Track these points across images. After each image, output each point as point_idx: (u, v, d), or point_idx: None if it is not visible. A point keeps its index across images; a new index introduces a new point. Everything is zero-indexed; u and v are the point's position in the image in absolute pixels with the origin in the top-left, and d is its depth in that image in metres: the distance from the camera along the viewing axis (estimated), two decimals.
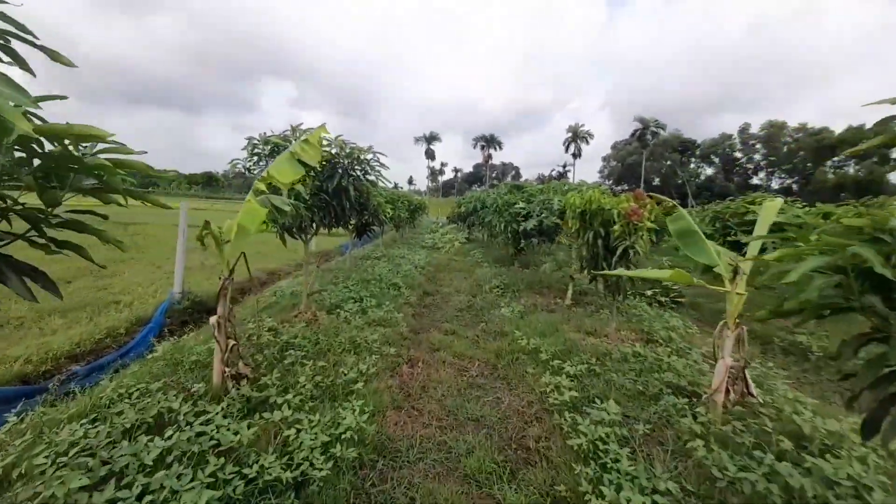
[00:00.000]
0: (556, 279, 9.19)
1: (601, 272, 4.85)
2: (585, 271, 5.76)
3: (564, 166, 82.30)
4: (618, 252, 4.92)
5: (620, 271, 3.79)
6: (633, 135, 70.11)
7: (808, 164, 72.22)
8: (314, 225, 5.69)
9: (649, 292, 8.13)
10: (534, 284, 8.90)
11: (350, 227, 9.46)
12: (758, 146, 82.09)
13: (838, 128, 69.95)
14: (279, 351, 4.28)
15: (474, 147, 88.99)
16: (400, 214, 13.77)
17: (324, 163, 5.66)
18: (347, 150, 5.68)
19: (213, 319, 3.22)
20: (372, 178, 5.90)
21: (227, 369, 3.24)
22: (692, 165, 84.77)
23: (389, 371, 4.38)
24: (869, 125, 65.77)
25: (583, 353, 4.77)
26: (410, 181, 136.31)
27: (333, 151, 5.71)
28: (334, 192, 5.57)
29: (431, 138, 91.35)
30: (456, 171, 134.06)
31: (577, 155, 75.75)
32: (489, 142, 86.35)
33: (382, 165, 5.94)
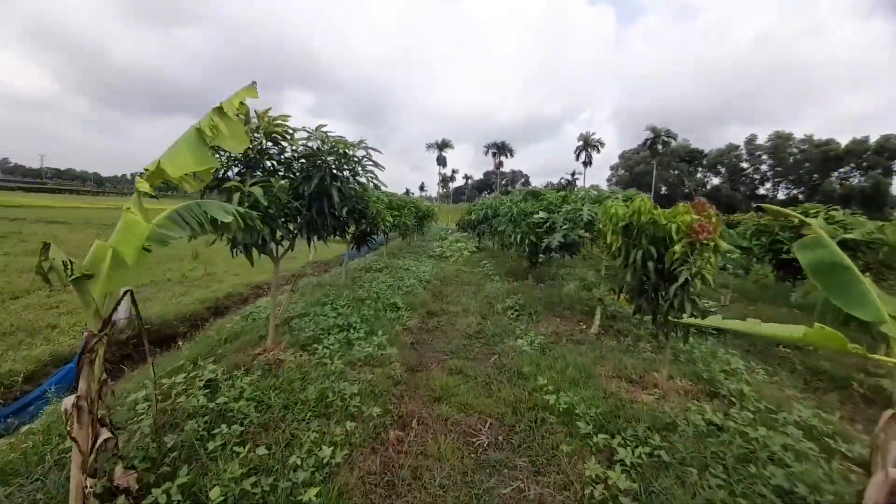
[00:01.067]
0: (579, 299, 7.79)
1: (665, 315, 3.47)
2: (623, 297, 4.40)
3: (573, 174, 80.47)
4: (678, 280, 3.53)
5: (707, 321, 2.40)
6: (644, 143, 68.22)
7: (815, 175, 69.86)
8: (284, 239, 4.36)
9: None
10: (553, 305, 7.51)
11: (347, 236, 8.18)
12: (764, 157, 79.94)
13: (843, 140, 67.82)
14: (207, 425, 2.91)
15: (486, 154, 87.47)
16: (406, 222, 12.45)
17: (301, 160, 4.36)
18: (331, 145, 4.36)
19: (67, 402, 1.92)
20: (363, 179, 4.57)
21: (90, 482, 1.91)
22: (699, 175, 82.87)
23: (370, 443, 3.04)
24: (874, 138, 63.63)
25: (635, 419, 3.37)
26: (422, 188, 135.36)
27: (314, 146, 4.41)
28: (312, 197, 4.25)
29: (443, 145, 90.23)
30: (466, 178, 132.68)
31: (587, 163, 74.01)
32: (500, 149, 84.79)
33: (377, 165, 4.62)
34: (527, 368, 4.60)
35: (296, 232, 4.38)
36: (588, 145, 72.65)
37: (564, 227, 6.02)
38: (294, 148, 4.25)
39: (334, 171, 4.34)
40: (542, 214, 6.74)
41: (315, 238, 4.90)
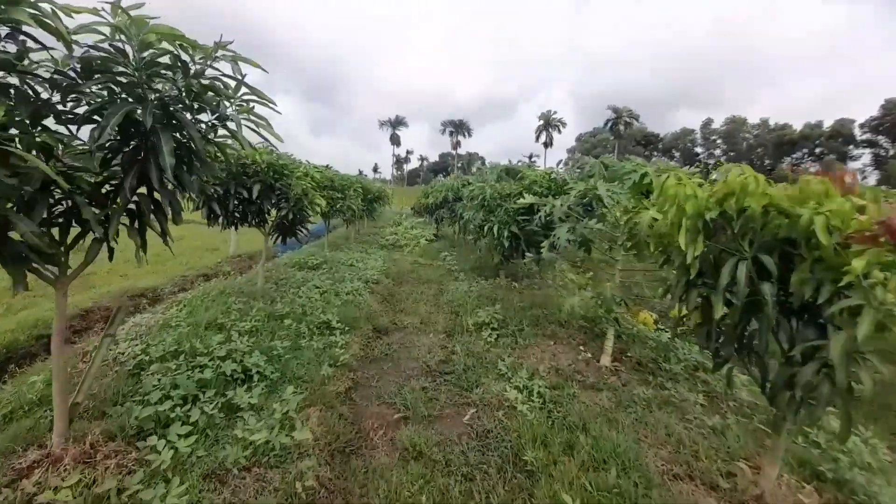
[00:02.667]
0: (573, 311, 6.18)
1: (806, 389, 1.81)
2: (644, 315, 2.74)
3: (531, 157, 79.55)
4: (831, 318, 1.88)
5: None
6: (605, 125, 68.14)
7: (766, 161, 72.78)
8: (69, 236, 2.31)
9: None
10: (540, 318, 5.84)
11: (266, 226, 6.15)
12: (718, 141, 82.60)
13: (796, 125, 70.83)
14: None
15: (442, 133, 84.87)
16: (350, 206, 10.41)
17: (96, 75, 2.24)
18: (144, 44, 2.22)
19: None
20: (240, 129, 2.55)
21: None
22: (654, 159, 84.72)
23: None
24: (828, 123, 66.75)
25: None
26: (375, 169, 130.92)
27: (111, 45, 2.28)
28: (126, 155, 2.24)
29: (397, 123, 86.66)
30: (422, 159, 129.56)
31: (548, 144, 73.17)
32: (458, 127, 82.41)
33: (264, 101, 2.63)
34: (531, 454, 2.86)
35: (104, 218, 2.28)
36: (549, 125, 71.80)
37: (568, 216, 4.32)
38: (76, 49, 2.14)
39: (166, 102, 2.28)
40: (528, 198, 4.99)
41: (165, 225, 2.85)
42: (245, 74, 2.52)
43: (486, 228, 6.22)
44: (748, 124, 79.06)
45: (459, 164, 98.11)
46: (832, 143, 65.45)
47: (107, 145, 2.20)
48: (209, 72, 2.36)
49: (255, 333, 4.55)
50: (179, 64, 2.24)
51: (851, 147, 65.57)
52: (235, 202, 5.44)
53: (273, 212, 5.95)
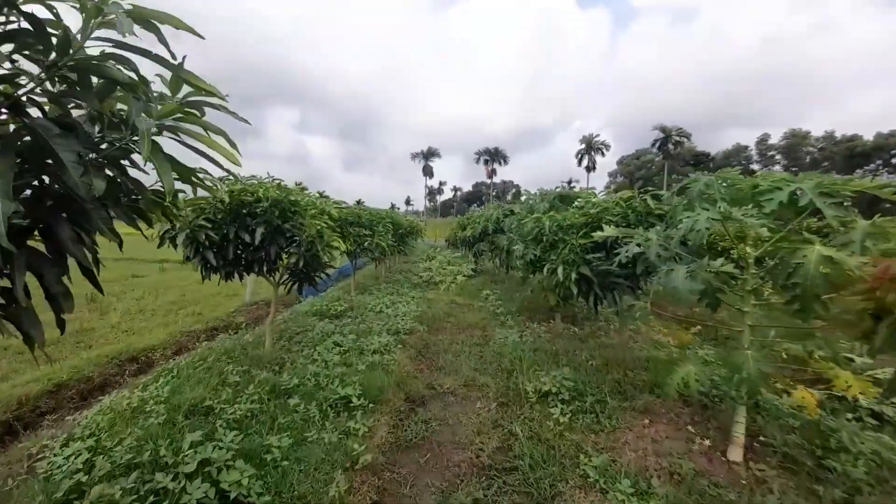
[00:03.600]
0: (687, 386, 4.92)
1: None
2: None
3: (570, 182, 77.83)
4: None
5: None
6: (653, 144, 65.85)
7: (836, 175, 68.30)
8: None
9: None
10: (623, 383, 4.61)
11: (276, 274, 5.28)
12: (777, 157, 78.79)
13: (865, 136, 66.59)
14: None
15: (477, 162, 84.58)
16: (380, 243, 9.51)
17: None
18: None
19: None
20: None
21: None
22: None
23: None
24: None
25: None
26: (408, 202, 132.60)
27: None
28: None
29: (429, 154, 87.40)
30: (455, 189, 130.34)
31: (590, 168, 71.23)
32: (493, 156, 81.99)
33: (216, 104, 1.65)
34: None
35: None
36: (591, 148, 70.20)
37: (672, 257, 3.17)
38: None
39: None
40: (609, 231, 3.87)
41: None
42: (185, 57, 1.58)
43: (546, 269, 5.08)
44: (811, 137, 75.12)
45: (494, 193, 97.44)
46: None
47: None
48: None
49: (249, 422, 3.53)
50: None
51: None
52: (238, 250, 4.57)
53: (284, 258, 5.06)
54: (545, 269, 5.03)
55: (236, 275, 4.84)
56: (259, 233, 4.44)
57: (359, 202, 12.56)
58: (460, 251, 22.77)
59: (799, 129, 75.88)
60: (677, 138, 63.03)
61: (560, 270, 4.83)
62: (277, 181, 4.72)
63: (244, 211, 4.46)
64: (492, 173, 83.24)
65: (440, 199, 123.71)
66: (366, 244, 9.22)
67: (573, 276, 4.71)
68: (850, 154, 65.18)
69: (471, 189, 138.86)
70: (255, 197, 4.45)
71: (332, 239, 4.80)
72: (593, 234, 4.16)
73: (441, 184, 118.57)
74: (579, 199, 6.50)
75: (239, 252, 4.62)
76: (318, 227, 4.73)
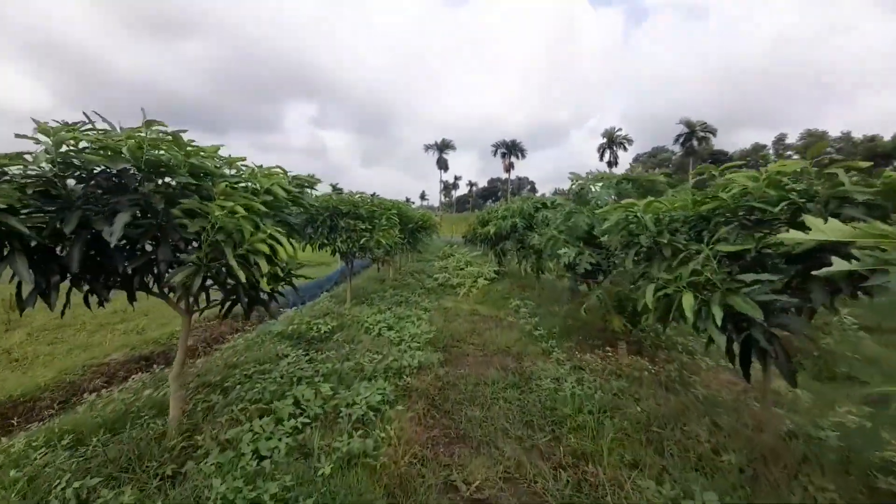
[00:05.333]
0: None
1: None
2: None
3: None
4: None
5: None
6: (676, 140, 61.63)
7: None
8: None
9: None
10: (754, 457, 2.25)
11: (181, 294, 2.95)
12: (795, 157, 74.75)
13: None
14: None
15: (494, 154, 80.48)
16: (380, 240, 7.21)
17: None
18: None
19: None
20: None
21: None
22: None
23: None
24: None
25: None
26: (423, 196, 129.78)
27: None
28: None
29: (444, 146, 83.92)
30: (471, 184, 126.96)
31: (612, 163, 67.15)
32: (510, 149, 78.11)
33: None
34: None
35: None
36: (613, 143, 66.27)
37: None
38: None
39: None
40: (819, 232, 1.49)
41: None
42: None
43: (657, 294, 2.69)
44: (829, 137, 71.07)
45: (510, 189, 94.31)
46: None
47: None
48: None
49: None
50: None
51: None
52: (90, 252, 2.33)
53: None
54: (654, 295, 2.64)
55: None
56: (120, 223, 2.14)
57: (373, 195, 10.36)
58: (479, 249, 20.34)
59: (815, 130, 72.03)
60: (702, 133, 58.83)
61: (688, 302, 2.45)
62: (158, 128, 2.40)
63: (92, 182, 2.17)
64: (509, 167, 79.44)
65: (455, 194, 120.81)
66: (363, 242, 6.93)
67: (718, 312, 2.34)
68: (871, 155, 61.34)
69: (486, 185, 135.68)
70: (105, 152, 2.16)
71: (255, 241, 2.47)
72: (781, 236, 1.79)
73: (456, 178, 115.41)
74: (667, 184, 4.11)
75: (93, 255, 2.34)
76: (233, 216, 2.41)
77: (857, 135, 67.20)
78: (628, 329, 5.25)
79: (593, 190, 5.55)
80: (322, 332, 5.71)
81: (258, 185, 2.98)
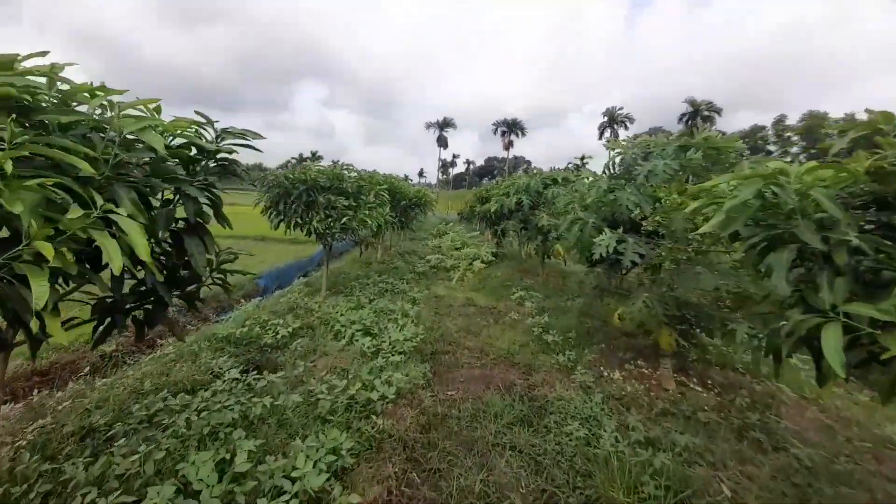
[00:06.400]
0: None
1: None
2: None
3: (582, 158, 71.08)
4: None
5: None
6: (680, 119, 58.90)
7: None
8: None
9: None
10: None
11: None
12: (795, 138, 73.14)
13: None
14: None
15: (494, 132, 77.54)
16: (364, 219, 5.77)
17: None
18: None
19: None
20: None
21: None
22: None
23: None
24: None
25: None
26: (421, 174, 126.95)
27: None
28: None
29: (444, 124, 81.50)
30: (468, 163, 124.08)
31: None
32: (511, 127, 75.35)
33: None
34: None
35: None
36: (614, 122, 63.47)
37: None
38: None
39: None
40: None
41: None
42: None
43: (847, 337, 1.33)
44: (830, 119, 69.21)
45: (506, 169, 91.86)
46: None
47: None
48: None
49: None
50: None
51: None
52: None
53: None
54: (792, 325, 1.25)
55: None
56: None
57: (373, 172, 8.87)
58: (476, 228, 18.79)
59: (817, 111, 70.06)
60: (706, 113, 56.23)
61: None
62: None
63: None
64: (508, 145, 76.93)
65: (453, 172, 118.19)
66: (344, 221, 5.49)
67: None
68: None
69: (483, 164, 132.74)
70: None
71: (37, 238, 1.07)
72: None
73: (454, 156, 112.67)
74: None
75: None
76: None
77: (862, 116, 65.58)
78: (683, 347, 3.89)
79: (657, 149, 4.08)
80: (279, 336, 4.32)
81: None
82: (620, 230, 3.95)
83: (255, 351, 4.15)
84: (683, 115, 57.61)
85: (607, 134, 62.60)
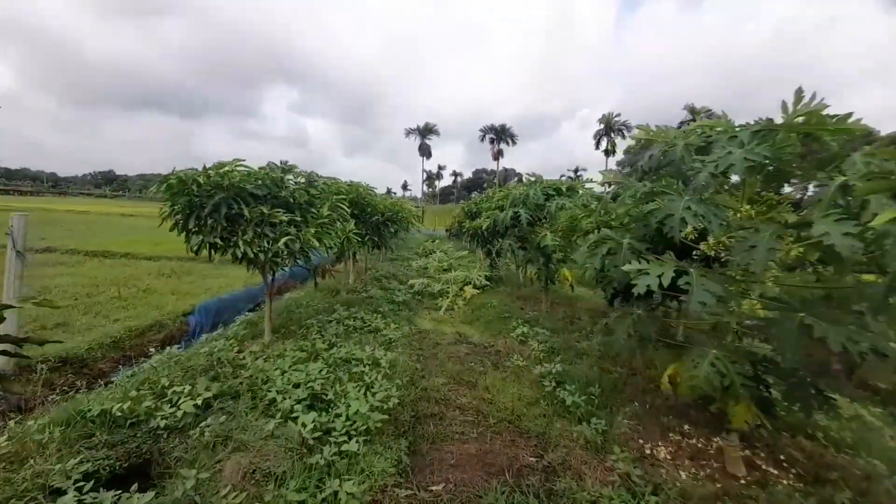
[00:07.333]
0: None
1: None
2: None
3: (576, 171, 69.66)
4: None
5: None
6: (679, 126, 58.72)
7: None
8: None
9: None
10: None
11: None
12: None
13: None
14: None
15: (482, 140, 74.67)
16: (311, 240, 4.58)
17: None
18: None
19: None
20: None
21: None
22: None
23: None
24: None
25: None
26: (405, 186, 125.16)
27: None
28: None
29: (426, 131, 77.88)
30: (455, 174, 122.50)
31: (610, 151, 62.80)
32: (500, 134, 72.84)
33: None
34: None
35: None
36: (611, 129, 62.37)
37: None
38: None
39: None
40: None
41: None
42: None
43: None
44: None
45: (493, 179, 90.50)
46: None
47: None
48: None
49: None
50: None
51: None
52: None
53: None
54: None
55: None
56: None
57: (349, 183, 7.64)
58: (465, 245, 17.51)
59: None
60: (706, 119, 55.79)
61: None
62: None
63: None
64: (498, 154, 74.74)
65: (439, 184, 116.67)
66: (284, 241, 4.29)
67: None
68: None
69: (471, 176, 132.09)
70: None
71: None
72: None
73: (440, 168, 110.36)
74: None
75: None
76: None
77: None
78: (764, 424, 2.75)
79: (695, 157, 2.97)
80: (180, 415, 3.07)
81: None
82: (668, 255, 2.83)
83: (141, 437, 2.89)
84: (682, 122, 57.47)
85: (604, 143, 61.85)
